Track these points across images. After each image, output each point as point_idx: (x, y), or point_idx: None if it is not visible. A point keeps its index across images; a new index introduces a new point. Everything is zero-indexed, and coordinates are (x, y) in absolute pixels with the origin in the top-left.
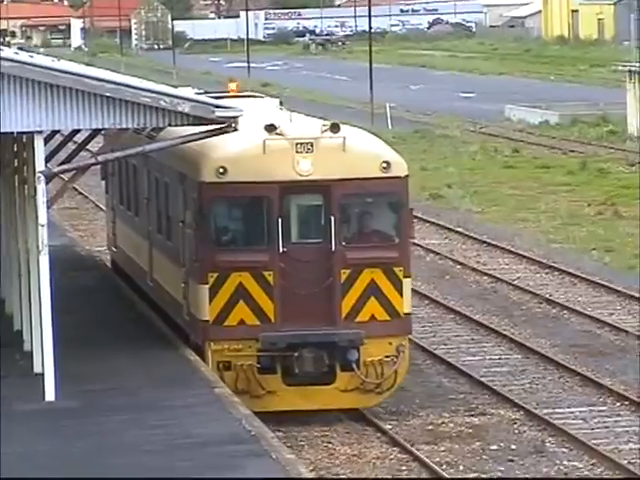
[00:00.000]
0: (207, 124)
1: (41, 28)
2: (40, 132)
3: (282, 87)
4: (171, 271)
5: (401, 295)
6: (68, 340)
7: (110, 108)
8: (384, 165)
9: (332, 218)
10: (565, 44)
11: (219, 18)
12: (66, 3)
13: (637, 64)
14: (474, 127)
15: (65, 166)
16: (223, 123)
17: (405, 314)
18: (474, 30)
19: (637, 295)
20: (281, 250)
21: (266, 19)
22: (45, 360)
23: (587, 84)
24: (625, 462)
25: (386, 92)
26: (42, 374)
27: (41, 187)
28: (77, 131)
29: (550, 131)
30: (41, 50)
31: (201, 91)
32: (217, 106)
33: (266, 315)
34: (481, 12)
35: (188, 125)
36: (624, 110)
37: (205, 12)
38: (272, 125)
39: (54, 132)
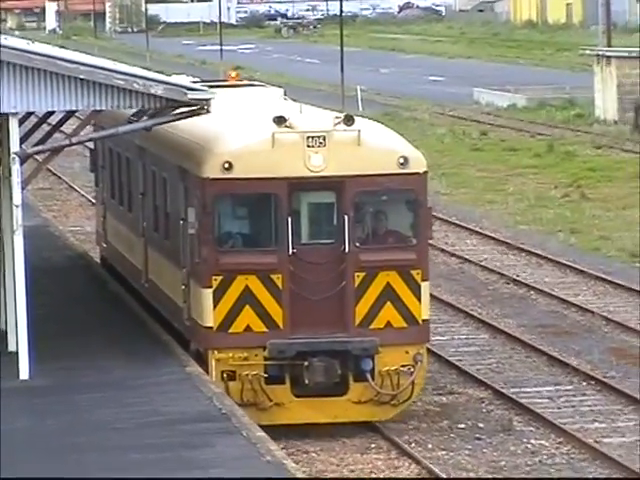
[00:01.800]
0: (180, 106)
1: (16, 11)
2: (15, 114)
3: (254, 70)
4: (169, 272)
5: (419, 300)
6: (42, 319)
7: (84, 90)
8: (401, 160)
9: (345, 217)
10: (533, 28)
11: (192, 1)
12: None
13: (604, 48)
14: (442, 110)
15: (39, 147)
16: (196, 105)
17: (423, 321)
18: (443, 14)
19: (603, 276)
20: (290, 251)
21: (238, 3)
22: (19, 339)
23: (555, 68)
24: (591, 441)
25: (357, 75)
26: (16, 353)
27: (16, 168)
28: (51, 113)
29: (518, 114)
30: (16, 33)
31: (197, 79)
32: (190, 88)
33: (274, 321)
34: None
35: (161, 107)
36: (591, 94)
37: None
38: (281, 117)
39: (29, 114)
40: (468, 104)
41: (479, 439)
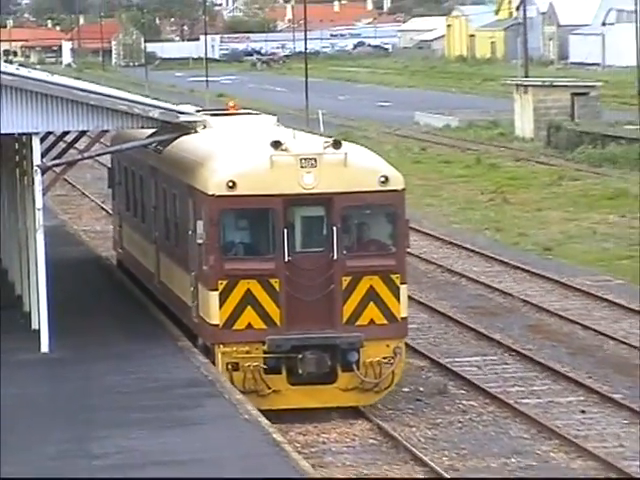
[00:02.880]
0: (173, 127)
1: (37, 49)
2: (37, 133)
3: (234, 97)
4: (179, 275)
5: (398, 300)
6: (60, 302)
7: (94, 114)
8: (382, 179)
9: (334, 229)
10: (464, 62)
11: (183, 41)
12: (58, 28)
13: (522, 79)
14: (389, 130)
15: (57, 161)
16: (186, 127)
17: (402, 318)
18: (390, 51)
19: (521, 266)
20: (286, 259)
21: (221, 42)
22: (41, 319)
23: (481, 95)
24: (512, 402)
25: (318, 101)
26: (38, 330)
27: (38, 178)
28: (67, 132)
29: (451, 133)
30: (37, 67)
31: (200, 108)
32: (180, 112)
33: (272, 319)
34: (396, 36)
35: (157, 128)
36: (511, 116)
37: (171, 36)
38: (278, 142)
39: (48, 133)
40: (410, 125)
41: (419, 400)
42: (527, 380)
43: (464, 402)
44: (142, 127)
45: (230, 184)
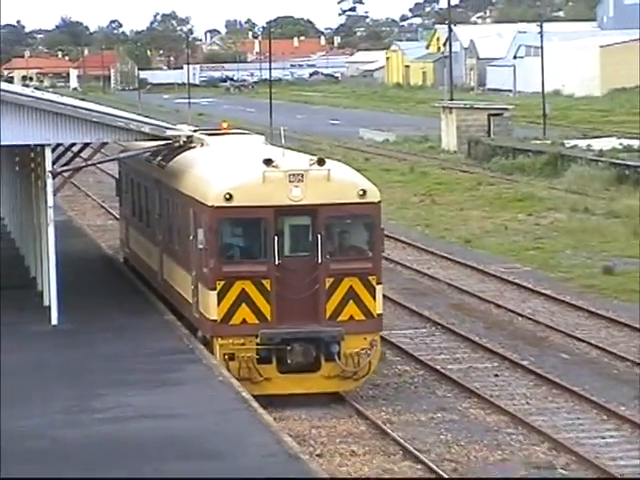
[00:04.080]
0: (161, 140)
1: (50, 75)
2: (48, 145)
3: (211, 116)
4: (181, 274)
5: (374, 299)
6: (67, 283)
7: (96, 129)
8: (361, 192)
9: (318, 236)
10: (400, 88)
11: (169, 69)
12: (67, 58)
13: (448, 102)
14: (339, 143)
15: (65, 167)
16: (171, 139)
17: (378, 314)
18: (340, 78)
19: (446, 255)
20: (277, 262)
21: (201, 70)
22: (51, 297)
23: (415, 115)
24: (439, 367)
25: (281, 119)
26: (49, 306)
27: (49, 181)
28: (74, 144)
29: (389, 146)
30: (49, 90)
31: (197, 128)
32: (167, 128)
33: (264, 315)
34: (344, 66)
35: (147, 140)
36: (439, 132)
37: (160, 65)
38: (270, 159)
39: (58, 144)
40: (356, 139)
41: None
42: (451, 349)
43: (399, 367)
44: (136, 140)
45: (227, 196)
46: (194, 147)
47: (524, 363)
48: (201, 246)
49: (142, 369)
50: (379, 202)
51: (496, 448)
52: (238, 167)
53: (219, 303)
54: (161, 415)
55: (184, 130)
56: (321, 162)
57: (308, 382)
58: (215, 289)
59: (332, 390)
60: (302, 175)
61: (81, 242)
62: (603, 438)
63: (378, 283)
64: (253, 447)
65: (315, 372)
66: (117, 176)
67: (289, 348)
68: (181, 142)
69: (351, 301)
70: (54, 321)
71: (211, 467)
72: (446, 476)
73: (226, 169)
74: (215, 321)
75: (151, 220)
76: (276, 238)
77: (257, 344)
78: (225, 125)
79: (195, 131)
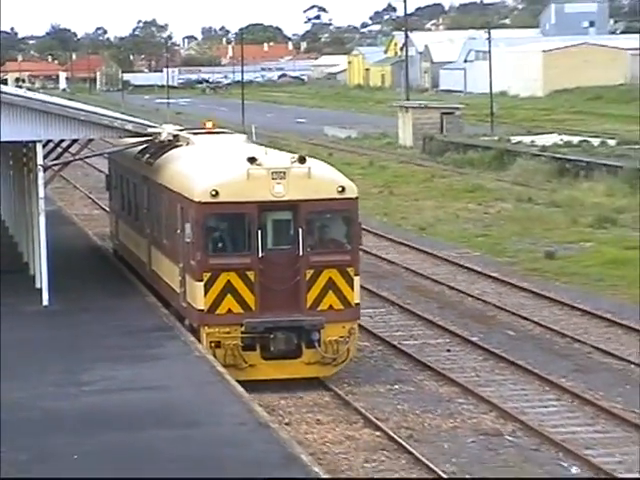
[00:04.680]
0: (142, 136)
1: (40, 77)
2: (40, 141)
3: (188, 114)
4: (168, 266)
5: (352, 289)
6: (57, 267)
7: (84, 126)
8: (339, 189)
9: (299, 230)
10: (361, 89)
11: (150, 72)
12: (56, 62)
13: (404, 102)
14: (305, 139)
15: (55, 162)
16: (151, 135)
17: (355, 304)
18: (306, 80)
19: (403, 241)
20: (260, 255)
21: (179, 73)
22: (42, 279)
23: (374, 114)
24: (396, 343)
25: (252, 118)
26: (40, 289)
27: (40, 174)
28: (62, 140)
29: (351, 142)
30: (41, 91)
31: (182, 127)
32: (148, 126)
33: (248, 305)
34: (310, 69)
35: (131, 137)
36: (396, 130)
37: (142, 68)
38: (253, 157)
39: (48, 141)
40: (320, 136)
41: None
42: (407, 327)
43: (359, 343)
44: (120, 137)
45: (213, 192)
46: (180, 145)
47: (473, 339)
48: (188, 240)
49: (126, 345)
50: (357, 198)
51: (448, 417)
52: (223, 165)
53: (206, 294)
54: (143, 387)
55: (170, 129)
56: (302, 160)
57: (290, 368)
58: (202, 280)
59: (313, 375)
60: (284, 172)
61: (70, 230)
62: (545, 407)
63: (356, 274)
64: (227, 416)
65: (297, 359)
66: (107, 172)
67: (272, 336)
68: (161, 139)
69: (330, 291)
70: (45, 302)
71: (188, 434)
72: (425, 459)
73: (212, 167)
74: (202, 311)
75: (140, 214)
76: (259, 232)
77: (242, 332)
78: (210, 125)
79: (181, 130)
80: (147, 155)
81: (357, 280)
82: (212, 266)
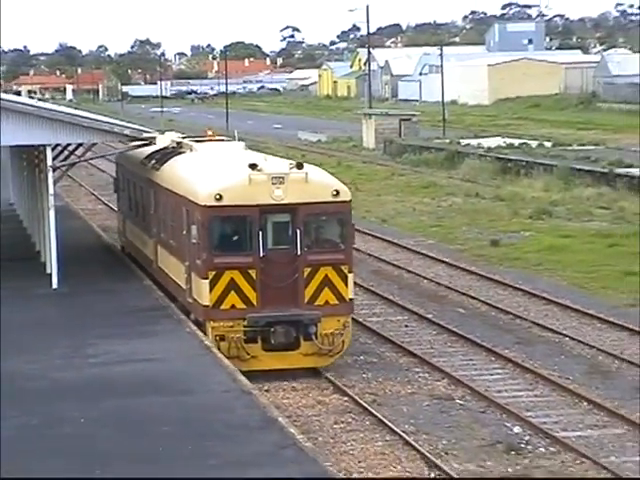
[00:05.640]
0: (138, 140)
1: (50, 89)
2: (49, 145)
3: (179, 121)
4: (174, 263)
5: (347, 285)
6: (65, 255)
7: (87, 132)
8: (334, 192)
9: (297, 231)
10: (330, 99)
11: (146, 84)
12: (64, 76)
13: (368, 110)
14: (281, 143)
15: (63, 162)
16: (147, 140)
17: (349, 299)
18: (282, 91)
19: (367, 231)
20: (261, 254)
21: (171, 85)
22: (52, 266)
23: (341, 120)
24: (361, 320)
25: (235, 124)
26: (50, 274)
27: (50, 174)
28: (69, 144)
29: (322, 145)
30: (50, 101)
31: (184, 135)
32: (143, 131)
33: (250, 301)
34: (285, 82)
35: (128, 141)
36: (361, 134)
37: (138, 81)
38: (255, 164)
39: (56, 144)
40: (295, 140)
41: None
42: (371, 306)
43: None
44: (120, 142)
45: (217, 196)
46: (184, 152)
47: (429, 316)
48: (194, 240)
49: (125, 323)
50: (350, 201)
51: (406, 384)
52: (226, 171)
53: (211, 290)
54: (141, 359)
55: (173, 137)
56: (299, 166)
57: (289, 359)
58: (207, 278)
59: (310, 366)
60: (283, 178)
61: (76, 223)
62: (491, 375)
63: (349, 272)
64: (214, 385)
65: (295, 350)
66: (115, 176)
67: (272, 330)
68: (166, 145)
69: (326, 288)
70: (54, 285)
71: (181, 400)
72: (386, 421)
73: (215, 172)
74: (207, 306)
75: (147, 215)
76: (260, 233)
77: (244, 326)
78: (210, 132)
79: (184, 138)
80: (153, 161)
81: (351, 277)
82: (217, 265)
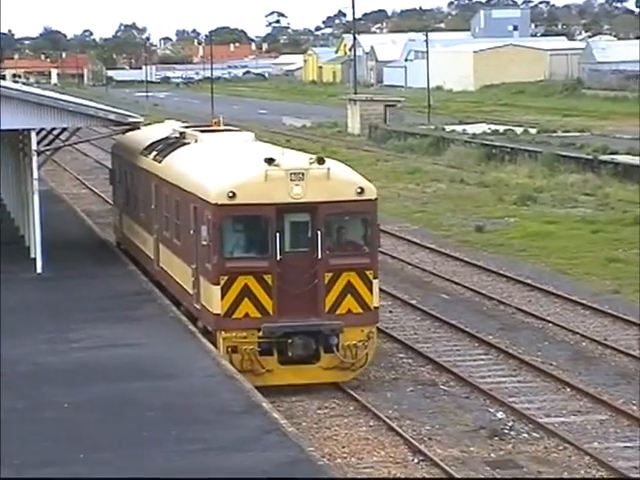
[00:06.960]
0: (123, 125)
1: (35, 73)
2: (34, 129)
3: (164, 106)
4: (179, 265)
5: (371, 292)
6: (49, 240)
7: (72, 116)
8: (359, 190)
9: (318, 232)
10: (315, 85)
11: (131, 69)
12: (48, 60)
13: (353, 95)
14: (266, 128)
15: (47, 147)
16: (132, 124)
17: (374, 308)
18: (267, 77)
19: None
20: (278, 258)
21: (157, 70)
22: (37, 251)
23: (327, 106)
24: None
25: (220, 109)
26: (35, 258)
27: (34, 158)
28: (54, 128)
29: (306, 130)
30: (35, 85)
31: (189, 124)
32: (128, 116)
33: (266, 310)
34: (271, 67)
35: (113, 125)
36: (346, 120)
37: (123, 65)
38: (271, 159)
39: (41, 129)
40: (280, 125)
41: None
42: None
43: None
44: (105, 126)
45: (230, 194)
46: (188, 143)
47: (413, 302)
48: (204, 242)
49: (109, 308)
50: (376, 199)
51: (390, 369)
52: (238, 165)
53: (222, 297)
54: (125, 344)
55: (174, 125)
56: (321, 161)
57: (308, 373)
58: (219, 284)
59: (331, 380)
60: (303, 174)
61: (60, 207)
62: (475, 361)
63: (375, 277)
64: (198, 369)
65: (315, 363)
66: (110, 167)
67: (290, 341)
68: (169, 135)
69: (349, 295)
70: (39, 270)
71: (165, 385)
72: (370, 406)
73: (226, 167)
74: (219, 315)
75: (147, 210)
76: (277, 235)
77: (259, 337)
78: (215, 121)
79: (187, 127)
80: (155, 152)
81: (376, 283)
82: (229, 269)
